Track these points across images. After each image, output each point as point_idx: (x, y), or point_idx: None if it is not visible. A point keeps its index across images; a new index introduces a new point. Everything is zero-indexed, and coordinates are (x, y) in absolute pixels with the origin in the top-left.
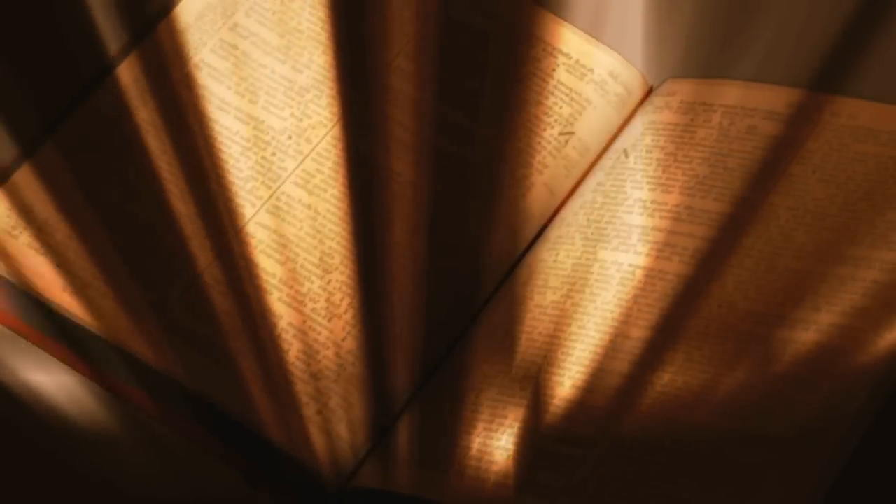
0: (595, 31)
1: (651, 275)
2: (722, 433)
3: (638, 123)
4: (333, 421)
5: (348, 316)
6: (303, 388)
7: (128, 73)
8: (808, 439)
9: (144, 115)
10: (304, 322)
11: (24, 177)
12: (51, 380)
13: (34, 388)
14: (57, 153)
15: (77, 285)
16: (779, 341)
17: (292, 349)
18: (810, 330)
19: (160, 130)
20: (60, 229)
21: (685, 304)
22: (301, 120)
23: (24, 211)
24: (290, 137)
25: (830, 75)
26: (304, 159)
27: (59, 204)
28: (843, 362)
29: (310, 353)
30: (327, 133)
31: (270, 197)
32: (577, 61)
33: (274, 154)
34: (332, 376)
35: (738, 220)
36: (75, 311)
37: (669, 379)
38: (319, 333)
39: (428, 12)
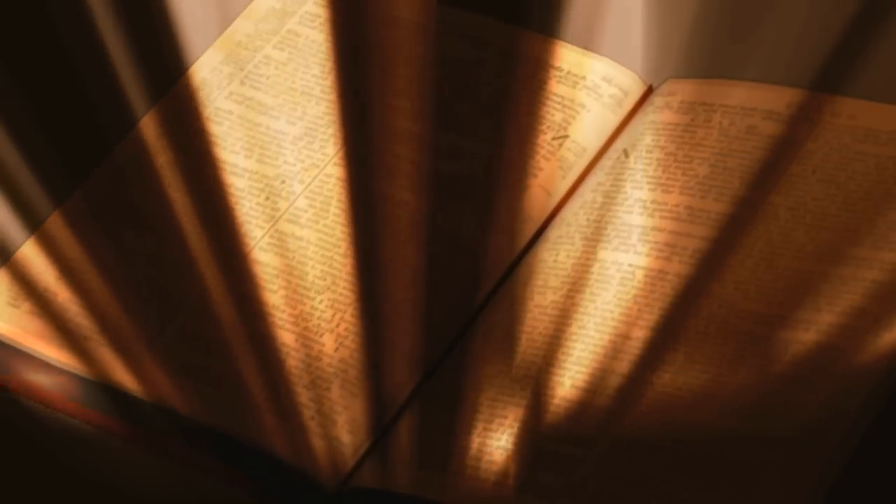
0: (590, 40)
1: (651, 275)
2: (722, 433)
3: (638, 123)
4: (328, 425)
5: (340, 329)
6: (297, 398)
7: (127, 149)
8: (808, 439)
9: (153, 172)
10: (296, 340)
11: (54, 225)
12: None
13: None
14: (83, 202)
15: (99, 320)
16: (779, 341)
17: (285, 365)
18: (811, 330)
19: (163, 190)
20: (86, 272)
21: (685, 304)
22: (293, 165)
23: (54, 257)
24: (282, 182)
25: (830, 75)
26: (296, 199)
27: (86, 248)
28: (843, 362)
29: (301, 367)
30: (320, 172)
31: (263, 236)
32: (568, 72)
33: (267, 199)
34: (325, 384)
35: (738, 220)
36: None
37: (669, 379)
38: (311, 348)
39: (419, 53)
